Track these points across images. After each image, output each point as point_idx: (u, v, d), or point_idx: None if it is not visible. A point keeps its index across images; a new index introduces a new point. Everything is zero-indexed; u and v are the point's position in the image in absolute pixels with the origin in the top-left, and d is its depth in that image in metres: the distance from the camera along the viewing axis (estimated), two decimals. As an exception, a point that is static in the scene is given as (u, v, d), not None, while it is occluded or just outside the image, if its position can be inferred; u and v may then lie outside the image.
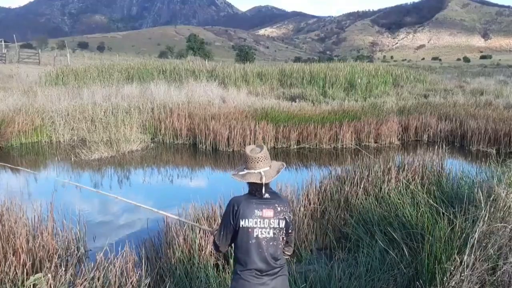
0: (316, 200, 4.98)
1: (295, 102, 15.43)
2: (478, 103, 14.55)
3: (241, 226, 2.17)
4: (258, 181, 2.21)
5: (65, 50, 50.69)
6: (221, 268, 3.66)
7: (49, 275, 3.15)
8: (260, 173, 2.22)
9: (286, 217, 2.26)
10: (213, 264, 3.69)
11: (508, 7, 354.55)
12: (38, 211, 4.39)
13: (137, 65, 22.84)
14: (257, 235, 2.18)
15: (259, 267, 2.16)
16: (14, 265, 3.40)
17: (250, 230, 2.18)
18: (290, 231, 2.35)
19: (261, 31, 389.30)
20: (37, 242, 3.83)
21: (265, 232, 2.19)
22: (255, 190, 2.25)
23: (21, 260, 3.48)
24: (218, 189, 5.85)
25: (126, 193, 6.93)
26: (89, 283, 3.25)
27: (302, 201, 5.20)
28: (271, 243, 2.20)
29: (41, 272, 3.44)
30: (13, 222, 4.15)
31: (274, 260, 2.21)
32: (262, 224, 2.19)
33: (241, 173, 2.28)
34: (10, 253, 3.52)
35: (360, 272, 3.42)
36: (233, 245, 2.30)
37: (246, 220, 2.17)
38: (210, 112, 11.74)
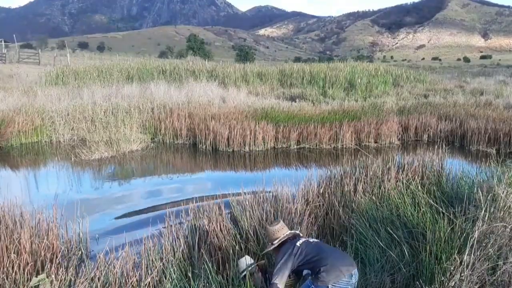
0: (316, 199, 4.98)
1: (295, 102, 15.43)
2: (478, 103, 14.55)
3: (298, 245, 2.88)
4: (292, 235, 3.02)
5: (65, 50, 50.71)
6: (222, 268, 3.66)
7: (53, 275, 3.15)
8: (290, 232, 3.03)
9: None
10: (213, 264, 3.69)
11: (508, 7, 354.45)
12: (40, 211, 4.39)
13: (137, 65, 22.84)
14: (313, 240, 2.98)
15: (333, 256, 2.79)
16: (16, 265, 3.40)
17: (305, 240, 2.94)
18: None
19: (261, 31, 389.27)
20: (42, 243, 3.83)
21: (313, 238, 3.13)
22: (292, 238, 3.01)
23: (24, 261, 3.48)
24: (218, 188, 5.85)
25: (127, 193, 6.93)
26: (89, 283, 3.26)
27: (302, 200, 5.20)
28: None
29: (42, 272, 3.44)
30: (15, 222, 4.15)
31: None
32: (309, 238, 3.09)
33: (275, 242, 2.98)
34: (13, 253, 3.52)
35: (360, 271, 3.42)
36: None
37: (299, 240, 2.93)
38: (210, 112, 11.74)
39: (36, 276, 3.19)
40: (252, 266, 3.17)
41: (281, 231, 3.00)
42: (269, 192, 5.00)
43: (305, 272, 2.85)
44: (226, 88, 18.12)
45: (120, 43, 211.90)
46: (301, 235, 3.09)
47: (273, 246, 2.96)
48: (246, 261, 3.30)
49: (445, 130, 11.20)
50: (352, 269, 2.79)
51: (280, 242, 2.96)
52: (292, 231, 3.06)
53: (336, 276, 2.70)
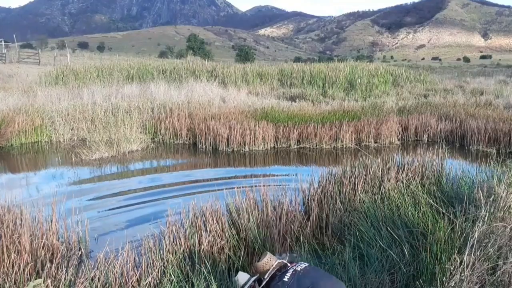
0: (316, 199, 4.98)
1: (295, 102, 15.43)
2: (478, 103, 14.55)
3: (286, 280, 2.68)
4: (279, 266, 2.86)
5: (65, 50, 50.77)
6: (222, 268, 3.66)
7: (49, 280, 3.14)
8: (278, 263, 2.86)
9: None
10: (214, 264, 3.69)
11: (508, 7, 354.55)
12: (40, 211, 4.39)
13: (137, 65, 22.83)
14: (301, 269, 2.75)
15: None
16: (16, 265, 3.39)
17: (293, 270, 2.75)
18: None
19: (261, 31, 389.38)
20: (41, 242, 3.83)
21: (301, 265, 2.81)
22: (279, 270, 2.83)
23: (24, 261, 3.48)
24: (218, 188, 5.86)
25: (127, 192, 6.92)
26: (89, 283, 3.26)
27: (302, 200, 5.21)
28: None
29: (42, 272, 3.44)
30: (15, 222, 4.15)
31: None
32: (297, 266, 2.81)
33: (266, 276, 2.83)
34: (13, 253, 3.52)
35: (360, 270, 3.42)
36: None
37: (287, 274, 2.73)
38: (210, 112, 11.74)
39: (33, 280, 3.18)
40: (250, 282, 3.07)
41: (268, 263, 2.91)
42: (269, 191, 5.00)
43: None
44: (226, 88, 18.12)
45: (120, 43, 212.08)
46: (288, 265, 2.92)
47: (265, 281, 2.86)
48: (241, 278, 3.17)
49: (445, 130, 11.20)
50: None
51: (269, 277, 2.85)
52: (279, 261, 2.94)
53: None
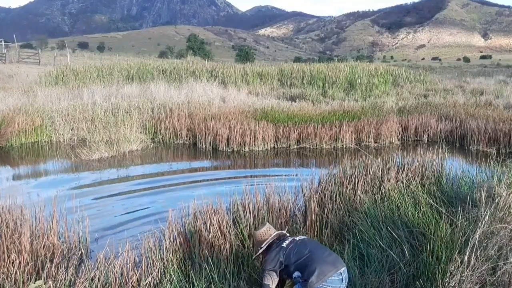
0: (316, 199, 4.97)
1: (295, 102, 15.43)
2: (478, 103, 14.55)
3: (285, 245, 2.86)
4: (277, 236, 3.03)
5: (65, 50, 50.80)
6: (222, 268, 3.66)
7: (50, 282, 3.14)
8: (276, 233, 3.03)
9: None
10: (214, 264, 3.69)
11: (508, 7, 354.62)
12: (40, 211, 4.39)
13: (137, 65, 22.83)
14: (299, 239, 2.94)
15: (321, 258, 2.74)
16: (16, 265, 3.39)
17: (291, 239, 2.92)
18: None
19: (261, 31, 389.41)
20: (42, 242, 3.82)
21: (300, 236, 3.03)
22: (278, 239, 3.02)
23: (24, 261, 3.48)
24: (217, 188, 5.86)
25: (127, 192, 6.92)
26: (89, 283, 3.25)
27: (302, 200, 5.20)
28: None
29: (42, 272, 3.44)
30: (15, 222, 4.15)
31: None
32: (295, 236, 3.03)
33: (263, 245, 2.98)
34: (13, 253, 3.52)
35: (359, 270, 3.42)
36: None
37: (285, 241, 2.92)
38: (210, 112, 11.74)
39: (35, 282, 3.17)
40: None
41: (267, 232, 2.99)
42: (269, 191, 5.00)
43: (295, 274, 2.82)
44: (226, 88, 18.12)
45: (120, 43, 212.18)
46: (287, 234, 3.05)
47: (261, 250, 2.95)
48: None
49: (445, 130, 11.20)
50: (341, 267, 2.76)
51: (267, 244, 2.94)
52: (278, 231, 3.03)
53: (325, 277, 2.68)
